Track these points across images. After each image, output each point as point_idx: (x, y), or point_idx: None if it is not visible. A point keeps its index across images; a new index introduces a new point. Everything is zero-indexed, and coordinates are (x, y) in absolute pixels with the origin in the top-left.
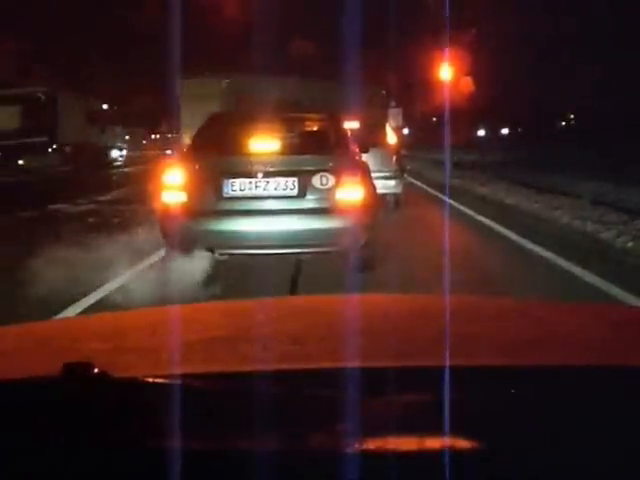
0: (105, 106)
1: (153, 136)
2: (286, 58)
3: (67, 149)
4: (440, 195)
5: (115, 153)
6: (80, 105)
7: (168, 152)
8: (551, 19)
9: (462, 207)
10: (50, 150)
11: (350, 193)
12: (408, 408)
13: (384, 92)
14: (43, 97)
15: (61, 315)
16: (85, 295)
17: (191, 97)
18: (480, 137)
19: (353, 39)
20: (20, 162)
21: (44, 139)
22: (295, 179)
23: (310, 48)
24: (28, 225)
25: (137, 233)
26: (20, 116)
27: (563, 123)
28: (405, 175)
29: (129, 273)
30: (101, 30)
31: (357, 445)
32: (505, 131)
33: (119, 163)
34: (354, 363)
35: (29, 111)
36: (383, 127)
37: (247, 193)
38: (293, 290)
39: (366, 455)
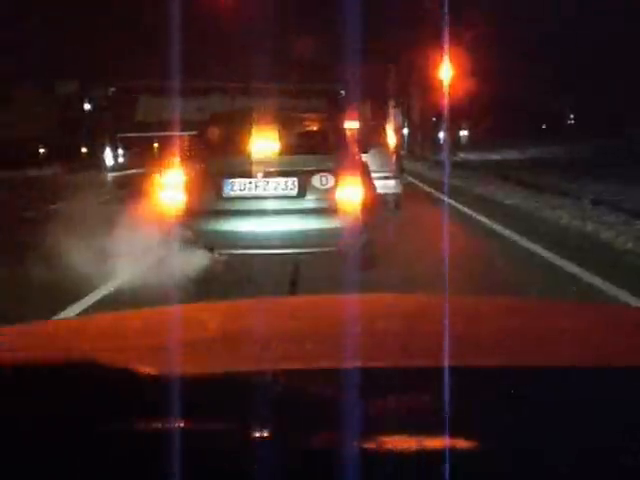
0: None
1: None
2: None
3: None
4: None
5: None
6: (364, 106)
7: None
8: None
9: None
10: None
11: (350, 193)
12: (408, 408)
13: (342, 92)
14: (343, 92)
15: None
16: None
17: None
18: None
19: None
20: None
21: None
22: (295, 179)
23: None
24: None
25: None
26: (325, 108)
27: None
28: (405, 175)
29: None
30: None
31: (357, 445)
32: (464, 133)
33: None
34: (354, 363)
35: (331, 105)
36: (383, 127)
37: (247, 193)
38: (292, 290)
39: (366, 455)
